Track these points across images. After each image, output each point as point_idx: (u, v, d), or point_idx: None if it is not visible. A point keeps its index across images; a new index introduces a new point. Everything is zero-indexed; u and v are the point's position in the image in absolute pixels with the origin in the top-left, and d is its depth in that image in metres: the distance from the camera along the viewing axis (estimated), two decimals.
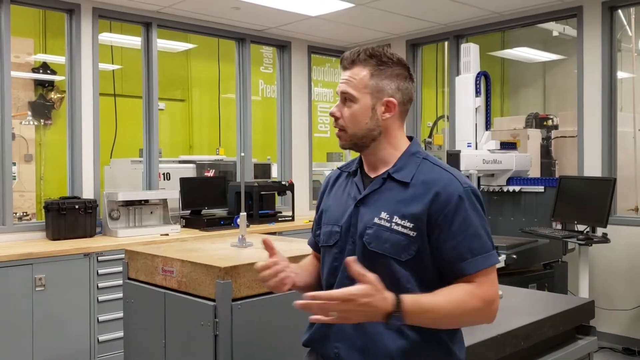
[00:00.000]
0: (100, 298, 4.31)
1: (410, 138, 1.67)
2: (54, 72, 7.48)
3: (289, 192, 5.90)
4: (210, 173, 5.81)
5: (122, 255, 3.55)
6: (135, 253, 3.11)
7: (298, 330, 1.83)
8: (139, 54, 5.55)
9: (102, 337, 4.32)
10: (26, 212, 6.91)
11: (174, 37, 6.56)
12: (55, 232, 4.51)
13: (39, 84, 7.62)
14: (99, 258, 4.31)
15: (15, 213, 6.98)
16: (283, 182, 5.89)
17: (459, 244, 1.50)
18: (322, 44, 6.74)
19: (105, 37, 5.97)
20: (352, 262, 1.39)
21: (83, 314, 4.24)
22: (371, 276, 1.37)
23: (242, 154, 5.58)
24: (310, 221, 5.79)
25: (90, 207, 4.66)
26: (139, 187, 5.38)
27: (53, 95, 7.60)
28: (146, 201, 5.04)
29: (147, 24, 5.35)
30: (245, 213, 3.06)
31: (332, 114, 1.64)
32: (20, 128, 7.33)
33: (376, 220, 1.56)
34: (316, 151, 7.02)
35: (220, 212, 5.61)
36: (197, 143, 8.25)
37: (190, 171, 5.71)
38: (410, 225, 1.52)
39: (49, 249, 4.15)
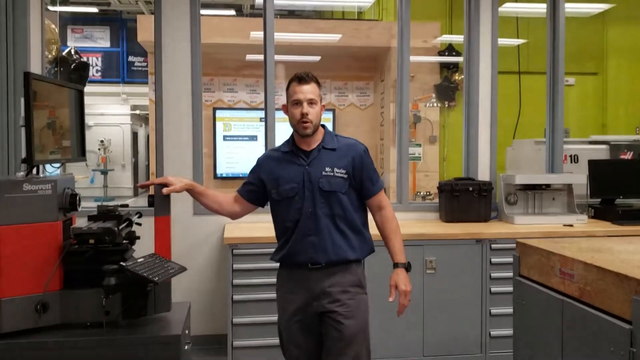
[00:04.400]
0: (493, 289, 3.97)
1: (323, 126, 2.61)
2: (458, 54, 7.47)
3: None
4: (628, 155, 4.86)
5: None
6: (528, 247, 2.64)
7: None
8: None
9: (494, 332, 3.98)
10: (429, 192, 7.12)
11: None
12: (449, 214, 4.35)
13: (444, 66, 7.75)
14: (492, 246, 3.97)
15: (419, 192, 7.29)
16: None
17: (370, 175, 2.61)
18: None
19: (509, 9, 5.55)
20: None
21: (474, 304, 3.98)
22: (393, 282, 2.58)
23: None
24: None
25: (484, 190, 4.35)
26: (542, 170, 4.86)
27: (457, 77, 7.62)
28: (547, 186, 4.47)
29: None
30: None
31: (305, 114, 2.48)
32: (426, 111, 7.58)
33: (323, 173, 2.51)
34: None
35: (638, 202, 4.63)
36: (611, 121, 7.19)
37: (602, 153, 4.93)
38: (344, 171, 2.53)
39: (441, 232, 4.00)
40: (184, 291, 4.14)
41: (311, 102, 2.50)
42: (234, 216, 2.74)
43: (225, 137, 7.89)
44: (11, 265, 2.03)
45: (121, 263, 2.03)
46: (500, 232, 4.01)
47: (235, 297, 3.75)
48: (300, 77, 2.53)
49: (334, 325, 2.50)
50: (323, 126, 2.63)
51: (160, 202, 2.39)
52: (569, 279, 2.29)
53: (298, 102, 2.51)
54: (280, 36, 6.34)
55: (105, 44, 13.10)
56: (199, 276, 4.29)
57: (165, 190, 2.43)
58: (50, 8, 7.90)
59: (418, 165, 7.42)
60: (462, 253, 3.95)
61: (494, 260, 3.97)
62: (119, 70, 13.25)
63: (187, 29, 4.27)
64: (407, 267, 2.60)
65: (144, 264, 2.09)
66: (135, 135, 16.21)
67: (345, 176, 2.53)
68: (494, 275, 3.97)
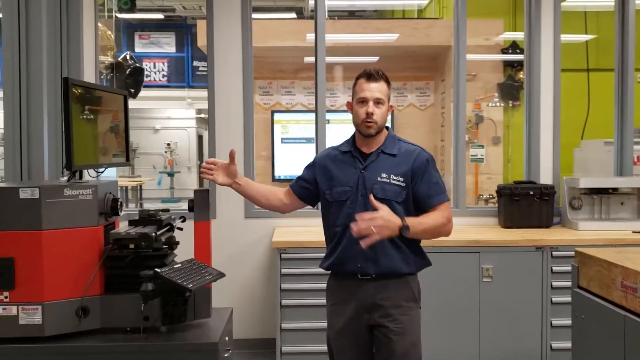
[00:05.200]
0: (554, 299, 3.76)
1: (387, 128, 2.51)
2: (522, 52, 7.18)
3: None
4: None
5: None
6: (587, 257, 2.47)
7: None
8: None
9: (555, 344, 3.77)
10: (492, 195, 6.85)
11: None
12: (507, 219, 4.16)
13: (507, 64, 7.46)
14: (553, 253, 3.76)
15: (482, 195, 7.03)
16: None
17: (429, 188, 2.43)
18: None
19: (576, 3, 5.28)
20: (372, 198, 2.27)
21: (534, 314, 3.78)
22: (384, 205, 2.25)
23: None
24: None
25: (546, 194, 4.13)
26: (611, 173, 4.58)
27: (521, 75, 7.32)
28: (615, 189, 4.20)
29: None
30: None
31: (371, 113, 2.38)
32: (488, 110, 7.32)
33: (379, 179, 2.41)
34: None
35: None
36: None
37: None
38: (402, 179, 2.41)
39: (499, 238, 3.83)
40: (236, 292, 4.17)
41: (378, 102, 2.38)
42: (283, 209, 2.64)
43: (283, 140, 7.91)
44: (53, 270, 2.05)
45: (156, 269, 2.01)
46: (562, 239, 3.81)
47: (284, 302, 3.71)
48: (369, 74, 2.40)
49: (384, 342, 2.40)
50: (387, 128, 2.51)
51: (200, 207, 2.37)
52: (631, 293, 2.12)
53: (364, 101, 2.39)
54: (336, 37, 6.28)
55: (171, 49, 13.42)
56: (249, 278, 4.29)
57: (208, 177, 2.54)
58: (118, 15, 8.15)
59: (480, 168, 7.17)
60: (521, 261, 3.77)
61: (555, 268, 3.76)
62: (184, 74, 13.56)
63: (238, 34, 4.28)
64: (403, 226, 2.22)
65: (180, 270, 2.07)
66: (200, 138, 16.56)
67: (403, 184, 2.39)
68: (555, 284, 3.76)
